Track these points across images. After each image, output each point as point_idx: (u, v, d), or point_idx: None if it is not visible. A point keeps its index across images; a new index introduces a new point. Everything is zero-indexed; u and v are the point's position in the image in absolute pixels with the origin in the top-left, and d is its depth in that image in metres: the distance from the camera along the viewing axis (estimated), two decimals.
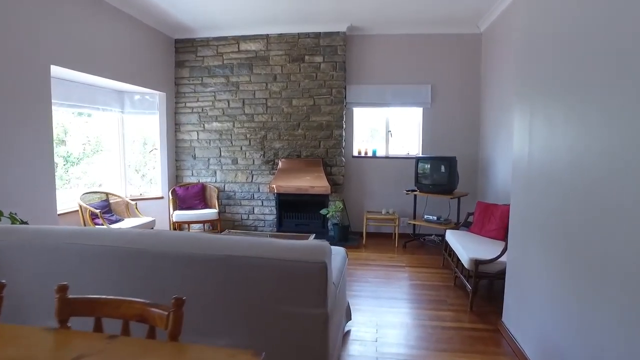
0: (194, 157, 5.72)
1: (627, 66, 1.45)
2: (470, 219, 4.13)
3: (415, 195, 5.02)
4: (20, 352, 0.96)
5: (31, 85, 3.32)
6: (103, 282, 1.83)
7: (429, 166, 4.90)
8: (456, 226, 4.40)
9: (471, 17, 4.86)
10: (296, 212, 5.44)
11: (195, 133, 5.68)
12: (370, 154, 5.62)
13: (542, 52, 2.24)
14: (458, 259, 3.44)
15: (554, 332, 1.99)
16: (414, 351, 2.47)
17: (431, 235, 5.26)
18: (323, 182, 5.06)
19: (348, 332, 2.69)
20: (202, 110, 5.63)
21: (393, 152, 5.64)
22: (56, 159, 4.58)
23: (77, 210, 4.21)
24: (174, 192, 5.35)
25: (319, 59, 5.28)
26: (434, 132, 5.38)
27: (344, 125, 5.41)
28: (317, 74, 5.30)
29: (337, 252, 2.56)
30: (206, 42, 5.52)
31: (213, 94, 5.58)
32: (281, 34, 5.31)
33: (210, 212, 5.24)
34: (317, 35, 5.25)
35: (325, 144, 5.37)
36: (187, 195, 5.39)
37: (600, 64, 1.63)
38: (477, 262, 2.97)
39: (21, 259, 1.93)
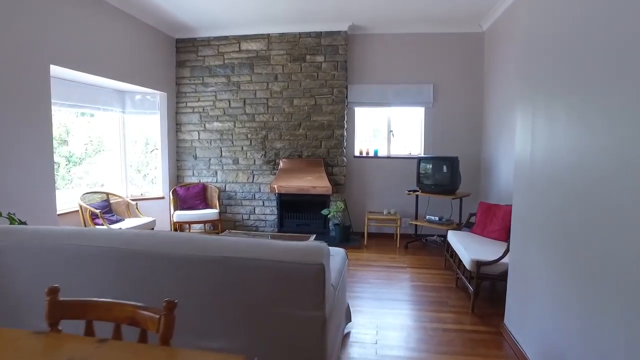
0: (195, 157, 5.71)
1: (628, 66, 1.42)
2: (473, 219, 4.09)
3: (417, 196, 4.98)
4: (7, 356, 0.94)
5: (31, 84, 3.31)
6: (100, 283, 1.81)
7: (431, 166, 4.86)
8: (458, 227, 4.36)
9: (473, 16, 4.82)
10: (297, 212, 5.42)
11: (196, 133, 5.67)
12: (371, 154, 5.58)
13: (543, 52, 2.22)
14: (460, 260, 3.41)
15: (556, 335, 1.96)
16: (415, 354, 2.44)
17: (433, 235, 5.22)
18: (324, 182, 5.03)
19: (348, 334, 2.66)
20: (203, 110, 5.62)
21: (395, 152, 5.61)
22: (58, 159, 4.60)
23: (78, 211, 4.20)
24: (174, 192, 5.35)
25: (320, 58, 5.25)
26: (436, 132, 5.34)
27: (346, 125, 5.38)
28: (319, 73, 5.27)
29: (337, 253, 2.53)
30: (207, 42, 5.51)
31: (214, 93, 5.57)
32: (282, 33, 5.29)
33: (211, 212, 5.23)
34: (319, 34, 5.22)
35: (326, 144, 5.34)
36: (188, 195, 5.38)
37: (601, 64, 1.61)
38: (478, 264, 2.94)
39: (20, 260, 1.91)
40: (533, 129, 2.33)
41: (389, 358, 2.38)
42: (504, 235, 3.39)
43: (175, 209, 5.21)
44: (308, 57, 5.28)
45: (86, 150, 5.00)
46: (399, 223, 5.05)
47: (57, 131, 4.56)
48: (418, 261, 4.40)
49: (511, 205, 2.73)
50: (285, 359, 1.68)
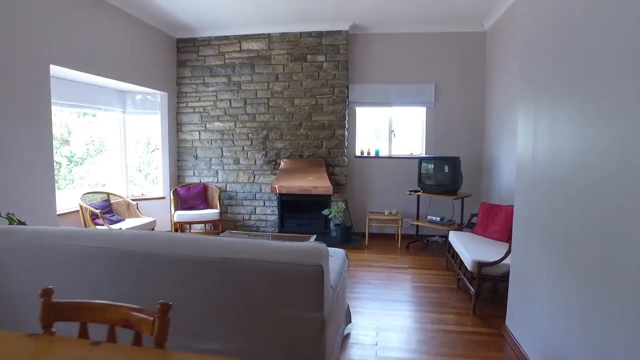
0: (196, 157, 5.70)
1: (630, 66, 1.40)
2: (474, 220, 4.06)
3: (418, 196, 4.96)
4: None
5: (31, 84, 3.30)
6: (99, 283, 1.80)
7: (432, 166, 4.84)
8: (460, 227, 4.34)
9: (475, 15, 4.79)
10: (298, 212, 5.40)
11: (197, 133, 5.66)
12: (373, 154, 5.56)
13: (544, 52, 2.20)
14: (461, 261, 3.38)
15: (558, 337, 1.94)
16: (415, 355, 2.41)
17: (434, 236, 5.20)
18: (325, 183, 5.01)
19: (348, 335, 2.64)
20: (204, 110, 5.61)
21: (396, 152, 5.58)
22: (60, 159, 4.60)
23: (78, 211, 4.20)
24: (175, 192, 5.34)
25: (321, 58, 5.24)
26: (437, 132, 5.31)
27: (347, 125, 5.36)
28: (319, 73, 5.26)
29: (336, 254, 2.51)
30: (208, 42, 5.50)
31: (215, 93, 5.56)
32: (283, 33, 5.27)
33: (211, 213, 5.22)
34: (319, 34, 5.20)
35: (327, 144, 5.32)
36: (188, 195, 5.38)
37: (602, 63, 1.60)
38: (480, 264, 2.91)
39: (19, 260, 1.90)
40: (535, 128, 2.31)
41: None
42: (506, 235, 3.36)
43: (176, 209, 5.20)
44: (309, 56, 5.26)
45: (88, 150, 5.00)
46: (400, 223, 5.02)
47: (58, 131, 4.56)
48: (419, 262, 4.38)
49: (513, 206, 2.70)
50: None
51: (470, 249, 3.21)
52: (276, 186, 5.14)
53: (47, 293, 1.11)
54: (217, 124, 5.59)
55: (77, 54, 3.79)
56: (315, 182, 5.05)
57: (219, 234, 5.05)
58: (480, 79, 5.17)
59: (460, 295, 3.36)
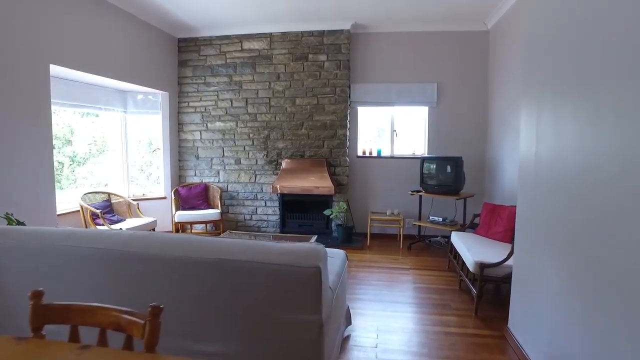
0: (197, 157, 5.69)
1: (634, 64, 1.37)
2: (477, 220, 4.02)
3: (420, 196, 4.92)
4: None
5: (31, 84, 3.30)
6: (97, 284, 1.79)
7: (434, 166, 4.80)
8: (462, 228, 4.29)
9: (478, 14, 4.75)
10: (300, 212, 5.38)
11: (198, 133, 5.65)
12: (374, 153, 5.53)
13: (544, 51, 2.17)
14: (463, 262, 3.34)
15: (561, 340, 1.90)
16: (416, 358, 2.38)
17: (437, 236, 5.16)
18: (327, 183, 4.98)
19: (348, 337, 2.61)
20: (205, 109, 5.59)
21: (398, 152, 5.54)
22: (63, 159, 4.60)
23: (79, 211, 4.19)
24: (176, 192, 5.33)
25: (322, 57, 5.21)
26: (439, 132, 5.27)
27: (348, 125, 5.33)
28: (321, 72, 5.23)
29: (336, 255, 2.48)
30: (209, 41, 5.49)
31: (216, 93, 5.54)
32: (284, 32, 5.25)
33: (212, 213, 5.20)
34: (321, 33, 5.18)
35: (329, 143, 5.30)
36: (189, 195, 5.36)
37: (605, 63, 1.57)
38: (482, 266, 2.88)
39: (17, 261, 1.89)
40: (538, 128, 2.27)
41: None
42: (509, 236, 3.32)
43: (177, 209, 5.19)
44: (310, 56, 5.23)
45: (90, 150, 5.00)
46: (402, 224, 4.99)
47: (61, 131, 4.56)
48: (421, 262, 4.34)
49: (516, 206, 2.66)
50: None
51: (472, 249, 3.17)
52: (277, 186, 5.12)
53: (37, 295, 1.09)
54: (219, 124, 5.57)
55: (77, 53, 3.79)
56: (317, 182, 5.03)
57: (220, 234, 5.03)
58: (483, 78, 5.13)
59: (462, 297, 3.32)
